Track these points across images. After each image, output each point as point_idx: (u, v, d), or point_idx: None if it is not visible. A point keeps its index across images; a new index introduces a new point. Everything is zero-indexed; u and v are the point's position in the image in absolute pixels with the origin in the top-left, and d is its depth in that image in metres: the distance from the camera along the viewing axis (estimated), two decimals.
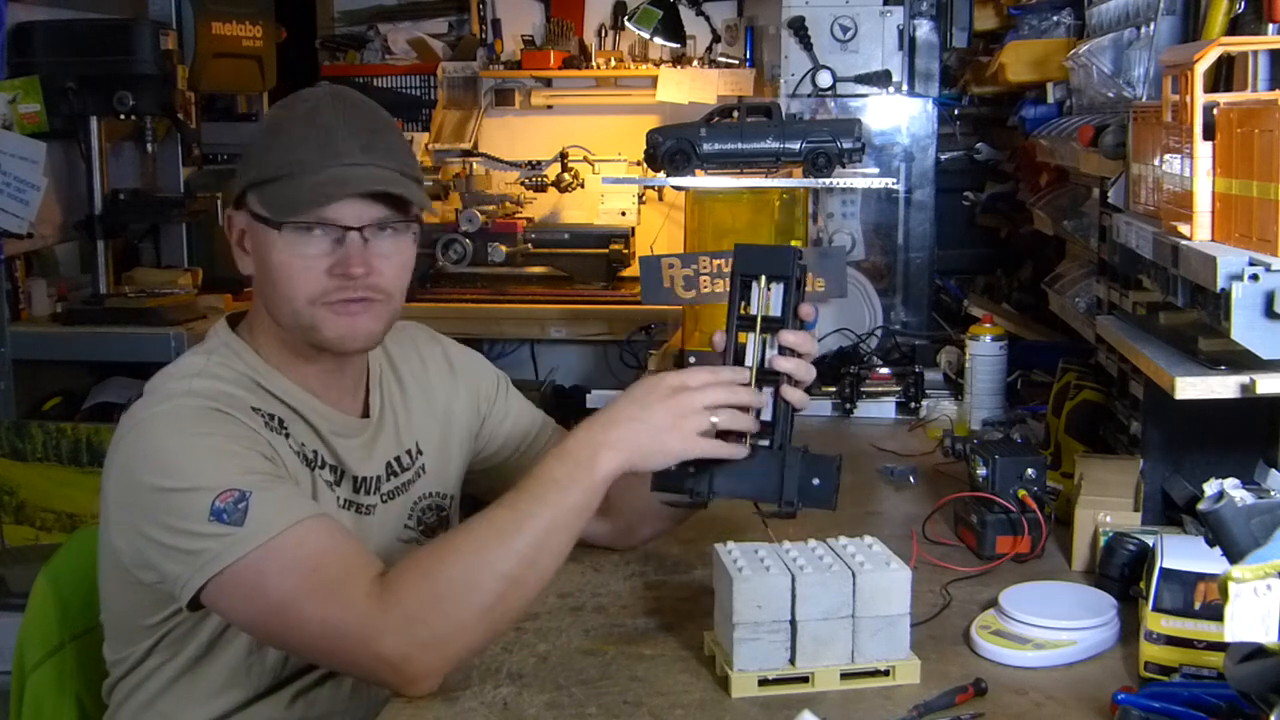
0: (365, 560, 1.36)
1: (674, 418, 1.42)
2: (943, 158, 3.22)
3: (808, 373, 1.50)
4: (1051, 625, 1.44)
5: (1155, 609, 1.32)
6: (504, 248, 4.25)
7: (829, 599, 1.34)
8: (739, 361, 1.50)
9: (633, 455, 1.42)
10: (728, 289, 1.52)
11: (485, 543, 1.35)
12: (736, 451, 1.44)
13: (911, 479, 2.15)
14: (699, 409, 1.43)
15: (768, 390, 1.49)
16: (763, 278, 1.49)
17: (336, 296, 1.48)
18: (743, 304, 1.51)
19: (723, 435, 1.45)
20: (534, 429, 1.81)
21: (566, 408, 3.71)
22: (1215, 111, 1.39)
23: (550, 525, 1.37)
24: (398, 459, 1.65)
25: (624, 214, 4.51)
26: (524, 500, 1.38)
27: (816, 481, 1.47)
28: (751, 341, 1.50)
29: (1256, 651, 1.04)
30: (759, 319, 1.49)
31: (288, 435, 1.51)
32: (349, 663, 1.39)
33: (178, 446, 1.39)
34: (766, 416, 1.49)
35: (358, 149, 1.47)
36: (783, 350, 1.49)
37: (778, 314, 1.49)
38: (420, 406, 1.70)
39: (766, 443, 1.49)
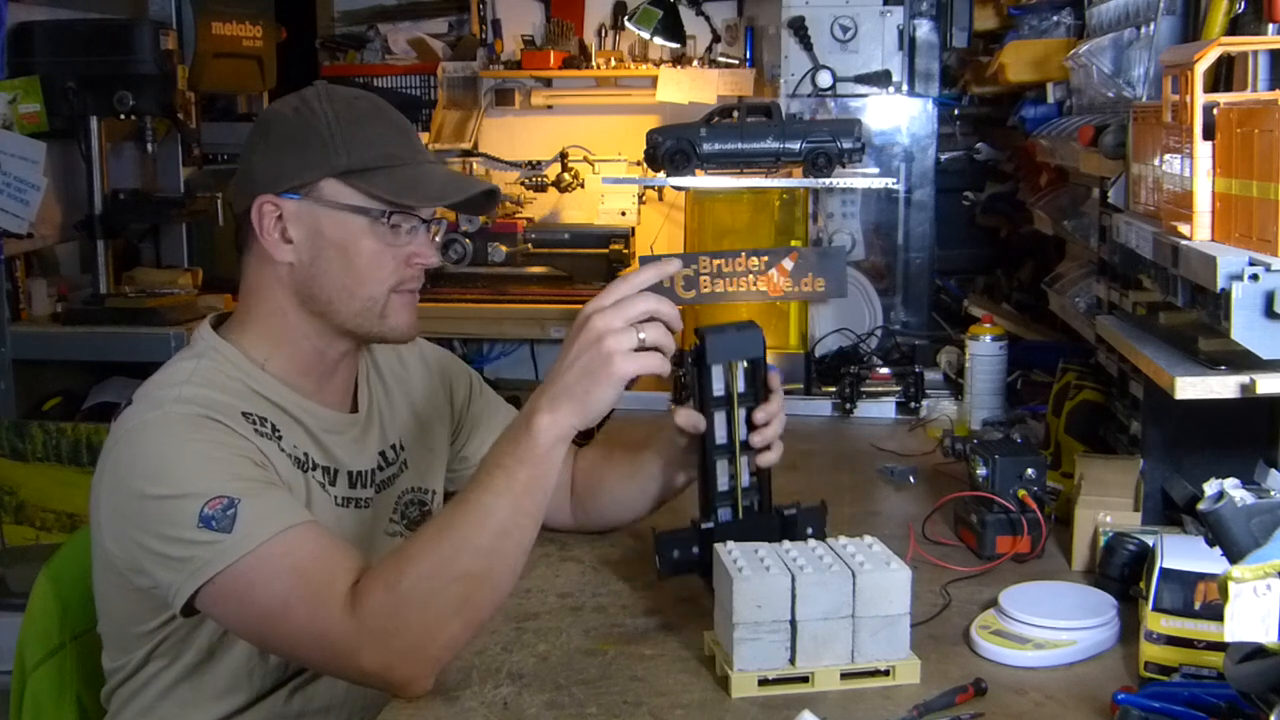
0: (348, 569, 1.34)
1: (601, 352, 1.34)
2: (943, 158, 3.22)
3: (779, 431, 1.57)
4: (1051, 625, 1.44)
5: (1155, 609, 1.32)
6: (504, 248, 4.25)
7: (829, 599, 1.34)
8: (713, 439, 1.56)
9: (574, 408, 1.35)
10: (728, 289, 1.53)
11: (440, 545, 1.33)
12: (664, 366, 1.40)
13: (911, 479, 2.15)
14: (620, 328, 1.36)
15: (744, 459, 1.56)
16: (734, 362, 1.55)
17: (410, 285, 1.55)
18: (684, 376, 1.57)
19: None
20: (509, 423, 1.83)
21: None
22: (1215, 111, 1.39)
23: (504, 512, 1.33)
24: (384, 453, 1.67)
25: (624, 214, 4.51)
26: (473, 492, 1.34)
27: (810, 530, 1.57)
28: (723, 420, 1.55)
29: (1256, 651, 1.04)
30: (734, 397, 1.55)
31: (280, 439, 1.50)
32: (338, 672, 1.40)
33: (167, 454, 1.39)
34: (746, 483, 1.57)
35: (423, 145, 1.59)
36: (754, 424, 1.56)
37: (749, 390, 1.56)
38: (401, 403, 1.72)
39: (749, 504, 1.57)
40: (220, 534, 1.33)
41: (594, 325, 1.36)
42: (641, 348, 1.37)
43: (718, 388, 1.55)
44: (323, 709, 1.54)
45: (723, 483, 1.57)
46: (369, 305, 1.53)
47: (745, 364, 1.55)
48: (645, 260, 1.63)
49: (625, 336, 1.35)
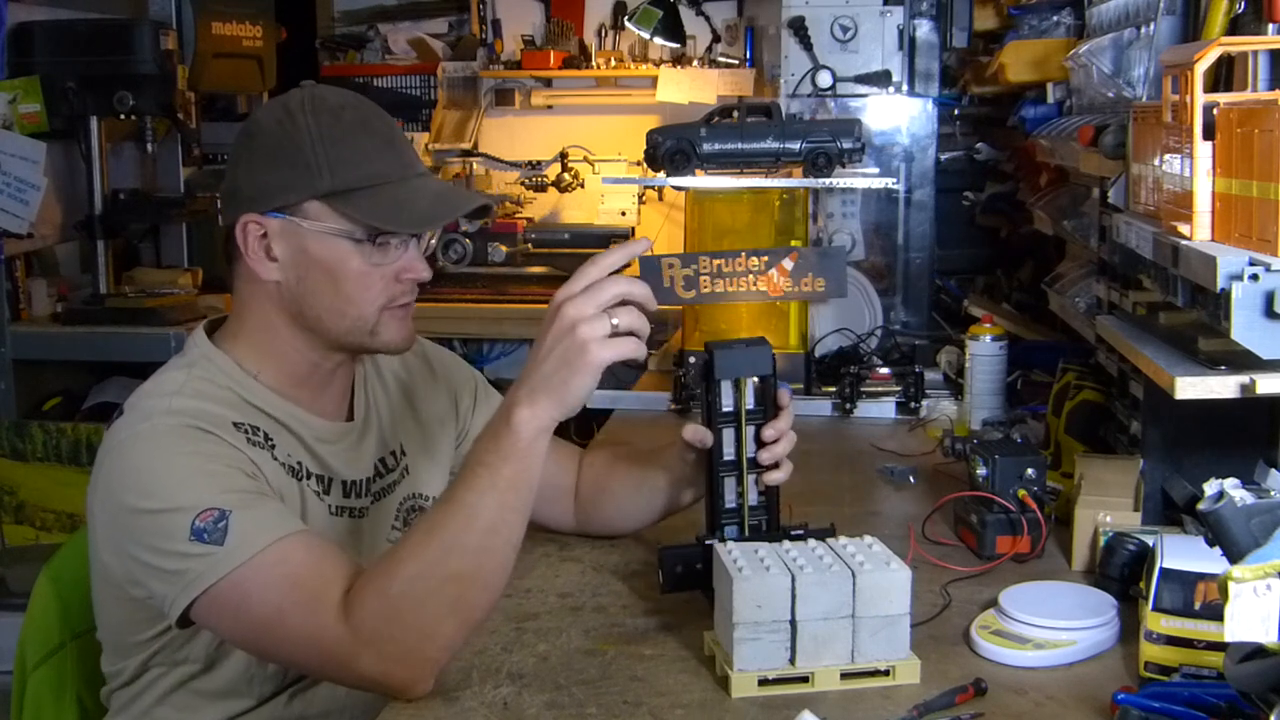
0: (343, 576, 1.34)
1: (575, 340, 1.31)
2: (943, 158, 3.22)
3: (788, 449, 1.56)
4: (1051, 625, 1.44)
5: (1155, 609, 1.32)
6: (504, 248, 4.26)
7: (829, 599, 1.34)
8: (720, 456, 1.55)
9: (552, 399, 1.32)
10: (728, 289, 1.53)
11: (428, 547, 1.32)
12: (640, 350, 1.36)
13: (911, 479, 2.15)
14: (593, 315, 1.32)
15: (752, 477, 1.56)
16: (743, 379, 1.54)
17: (403, 300, 1.53)
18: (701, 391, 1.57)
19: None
20: None
21: None
22: (1215, 111, 1.39)
23: (491, 509, 1.32)
24: (383, 460, 1.65)
25: (624, 214, 4.52)
26: (458, 492, 1.34)
27: None
28: (731, 437, 1.55)
29: (1256, 651, 1.04)
30: (743, 414, 1.54)
31: (273, 447, 1.49)
32: (337, 678, 1.40)
33: (158, 467, 1.38)
34: (754, 501, 1.56)
35: (414, 157, 1.54)
36: (763, 441, 1.55)
37: (758, 407, 1.55)
38: (403, 408, 1.71)
39: (756, 523, 1.57)
40: (213, 546, 1.32)
41: (566, 314, 1.32)
42: (616, 333, 1.34)
43: (726, 404, 1.54)
44: (323, 713, 1.53)
45: (730, 500, 1.56)
46: (358, 324, 1.51)
47: (755, 380, 1.55)
48: (644, 260, 1.63)
49: (598, 323, 1.32)
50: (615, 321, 1.34)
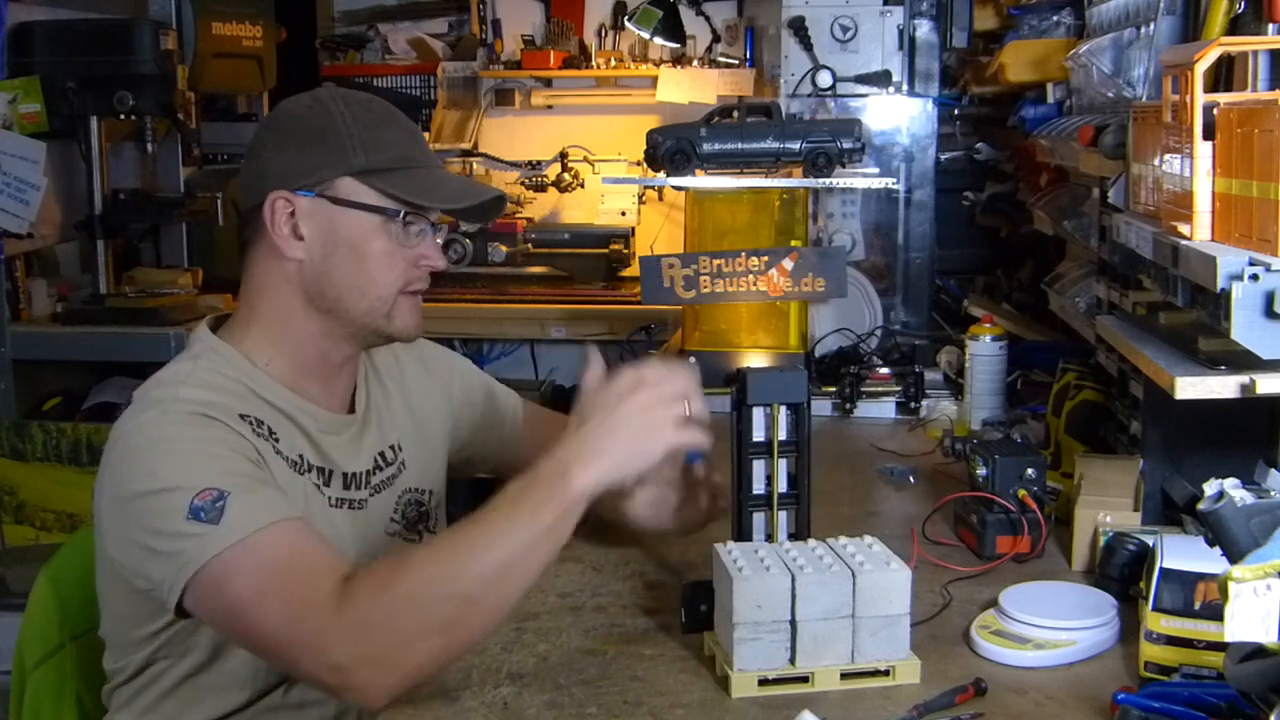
0: (334, 564, 1.34)
1: (654, 419, 1.37)
2: (943, 158, 3.22)
3: None
4: (1051, 625, 1.44)
5: (1155, 609, 1.32)
6: (504, 248, 4.25)
7: (829, 599, 1.34)
8: (749, 489, 1.50)
9: (611, 465, 1.35)
10: (728, 289, 1.52)
11: (445, 559, 1.32)
12: (707, 443, 1.40)
13: (911, 479, 2.15)
14: (670, 398, 1.38)
15: (782, 514, 1.50)
16: (775, 405, 1.49)
17: (417, 286, 1.57)
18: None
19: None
20: (508, 410, 1.87)
21: (566, 408, 3.69)
22: (1215, 111, 1.39)
23: (518, 547, 1.31)
24: (382, 454, 1.66)
25: (624, 214, 4.52)
26: (495, 518, 1.33)
27: None
28: (762, 468, 1.50)
29: (1256, 651, 1.04)
30: (775, 445, 1.49)
31: (276, 441, 1.50)
32: (296, 664, 1.34)
33: (161, 449, 1.39)
34: (783, 539, 1.51)
35: (433, 154, 1.61)
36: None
37: (790, 439, 1.50)
38: (398, 404, 1.72)
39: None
40: (208, 525, 1.32)
41: (649, 393, 1.37)
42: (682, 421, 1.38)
43: (758, 434, 1.50)
44: (323, 699, 1.53)
45: (759, 538, 1.50)
46: (378, 305, 1.54)
47: (788, 409, 1.50)
48: (644, 260, 1.63)
49: (677, 407, 1.38)
50: (687, 412, 1.39)
